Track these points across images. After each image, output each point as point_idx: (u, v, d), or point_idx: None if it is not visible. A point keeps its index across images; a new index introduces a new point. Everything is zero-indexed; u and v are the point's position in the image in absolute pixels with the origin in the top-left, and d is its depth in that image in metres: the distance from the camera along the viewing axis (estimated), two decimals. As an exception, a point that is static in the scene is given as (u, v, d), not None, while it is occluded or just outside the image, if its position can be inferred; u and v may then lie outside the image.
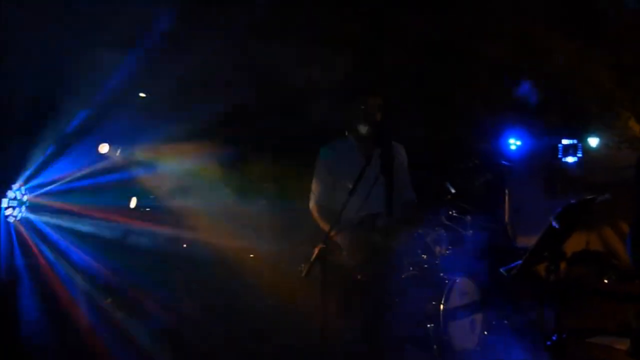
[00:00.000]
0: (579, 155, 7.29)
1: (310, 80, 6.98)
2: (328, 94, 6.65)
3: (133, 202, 6.15)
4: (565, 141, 7.20)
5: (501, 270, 3.21)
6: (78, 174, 5.58)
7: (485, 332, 4.91)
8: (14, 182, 5.00)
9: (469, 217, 5.54)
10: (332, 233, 3.17)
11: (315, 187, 3.60)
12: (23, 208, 5.04)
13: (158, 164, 6.47)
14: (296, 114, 7.19)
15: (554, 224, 2.92)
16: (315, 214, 3.58)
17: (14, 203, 4.97)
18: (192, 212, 6.40)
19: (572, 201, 3.12)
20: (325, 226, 3.39)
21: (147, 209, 6.46)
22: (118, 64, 5.74)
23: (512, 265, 3.15)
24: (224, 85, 7.15)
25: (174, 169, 6.56)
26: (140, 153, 6.34)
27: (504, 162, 7.08)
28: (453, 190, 3.56)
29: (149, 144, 6.43)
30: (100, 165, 5.84)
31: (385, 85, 6.68)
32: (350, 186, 3.23)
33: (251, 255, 6.55)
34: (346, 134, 3.67)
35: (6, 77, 4.87)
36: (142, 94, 6.80)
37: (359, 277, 3.35)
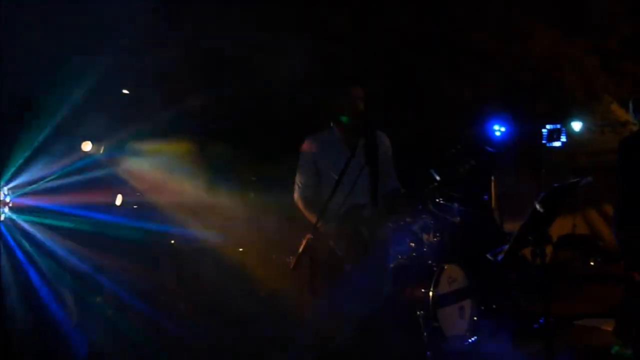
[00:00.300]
0: (563, 139, 7.34)
1: (294, 72, 6.95)
2: (312, 85, 6.64)
3: (119, 199, 6.11)
4: (549, 126, 7.24)
5: (487, 255, 3.23)
6: (62, 172, 5.53)
7: (475, 318, 4.95)
8: (-5, 183, 4.95)
9: (455, 204, 5.58)
10: (319, 224, 3.17)
11: (299, 178, 3.59)
12: (6, 208, 4.99)
13: (141, 159, 6.43)
14: (280, 106, 7.17)
15: (538, 208, 2.94)
16: (300, 205, 3.57)
17: (-4, 204, 4.92)
18: (177, 206, 6.37)
19: (556, 185, 3.14)
20: (311, 218, 3.39)
21: (135, 206, 6.43)
22: (98, 60, 5.68)
23: (498, 250, 3.17)
24: (206, 78, 7.12)
25: (159, 164, 6.52)
26: (124, 148, 6.29)
27: (489, 148, 7.12)
28: (438, 178, 3.55)
29: (132, 140, 6.39)
30: (84, 163, 5.79)
31: (369, 75, 6.70)
32: (335, 177, 3.22)
33: (240, 249, 6.55)
34: (330, 125, 3.66)
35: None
36: (125, 91, 6.75)
37: (347, 267, 3.35)
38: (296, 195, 3.58)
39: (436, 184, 4.95)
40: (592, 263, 8.22)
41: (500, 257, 3.07)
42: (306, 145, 3.60)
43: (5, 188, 4.97)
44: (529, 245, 3.17)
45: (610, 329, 4.64)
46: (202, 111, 7.49)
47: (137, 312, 5.56)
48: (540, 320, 4.98)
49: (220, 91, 7.37)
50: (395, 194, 3.55)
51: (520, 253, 5.82)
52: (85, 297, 5.53)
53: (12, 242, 5.02)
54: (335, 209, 3.30)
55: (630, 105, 4.60)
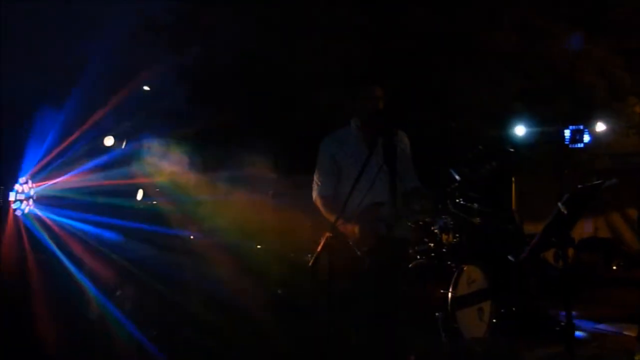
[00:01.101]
0: (586, 141, 7.23)
1: (313, 70, 6.95)
2: (331, 84, 6.63)
3: (140, 195, 6.16)
4: (572, 127, 7.14)
5: (509, 257, 3.19)
6: (84, 167, 5.59)
7: (494, 320, 4.90)
8: (21, 176, 5.01)
9: (475, 205, 5.52)
10: (338, 223, 3.16)
11: (318, 177, 3.57)
12: (30, 201, 5.05)
13: (162, 155, 6.47)
14: (299, 105, 7.17)
15: (562, 209, 2.89)
16: (319, 204, 3.54)
17: (22, 197, 4.99)
18: (197, 204, 6.40)
19: (580, 186, 3.09)
20: (330, 216, 3.38)
21: (154, 202, 6.47)
22: (120, 57, 5.74)
23: (520, 251, 3.12)
24: (227, 79, 7.15)
25: (177, 161, 6.56)
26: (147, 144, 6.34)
27: (510, 148, 7.04)
28: (458, 178, 3.52)
29: (154, 136, 6.43)
30: (106, 158, 5.85)
31: (388, 74, 6.66)
32: (354, 175, 3.21)
33: (258, 247, 6.55)
34: (348, 123, 3.64)
35: (8, 73, 4.88)
36: (146, 87, 6.81)
37: (365, 266, 3.33)
38: (315, 194, 3.56)
39: (456, 184, 4.93)
40: (614, 267, 8.10)
41: (522, 258, 3.03)
42: (325, 143, 3.58)
43: (30, 182, 5.04)
44: (551, 246, 3.13)
45: (632, 334, 4.56)
46: (221, 110, 7.52)
47: (154, 305, 5.60)
48: (562, 323, 4.91)
49: (237, 90, 7.40)
50: (416, 192, 3.52)
51: (541, 255, 5.75)
52: (105, 290, 5.59)
53: (34, 234, 5.08)
54: (354, 207, 3.29)
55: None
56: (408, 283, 4.50)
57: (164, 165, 6.38)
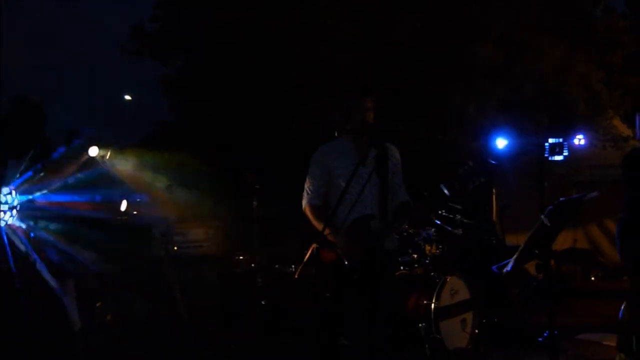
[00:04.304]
0: (565, 153, 7.35)
1: (302, 81, 6.98)
2: (319, 95, 6.66)
3: (124, 205, 6.11)
4: (551, 140, 7.25)
5: (493, 268, 3.23)
6: (68, 177, 5.54)
7: (477, 331, 4.94)
8: (4, 187, 4.95)
9: (458, 216, 5.59)
10: (326, 233, 3.17)
11: (309, 186, 3.57)
12: (14, 212, 4.99)
13: (145, 166, 6.45)
14: (287, 115, 7.19)
15: (545, 221, 2.95)
16: (308, 213, 3.54)
17: (5, 207, 4.93)
18: (181, 214, 6.38)
19: (562, 199, 3.15)
20: (318, 226, 3.38)
21: (134, 212, 6.43)
22: (103, 65, 5.73)
23: (504, 263, 3.17)
24: (216, 87, 7.15)
25: (161, 172, 6.54)
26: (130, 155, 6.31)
27: (491, 161, 7.12)
28: (448, 194, 3.56)
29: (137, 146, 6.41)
30: (89, 168, 5.81)
31: (375, 85, 6.73)
32: (343, 185, 3.22)
33: (241, 257, 6.53)
34: (336, 134, 3.67)
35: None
36: (127, 97, 6.79)
37: (353, 277, 3.34)
38: (305, 202, 3.54)
39: (445, 199, 4.97)
40: (592, 278, 8.23)
41: (507, 270, 3.08)
42: (319, 153, 3.58)
43: (14, 192, 4.98)
44: (534, 258, 3.18)
45: (612, 343, 4.63)
46: (206, 122, 7.51)
47: (137, 317, 5.56)
48: (544, 334, 4.97)
49: (225, 100, 7.40)
50: (406, 207, 3.55)
51: (524, 266, 5.82)
52: (86, 302, 5.53)
53: (18, 245, 5.02)
54: (343, 218, 3.30)
55: (637, 119, 4.58)
56: (392, 294, 4.53)
57: (147, 176, 6.36)
